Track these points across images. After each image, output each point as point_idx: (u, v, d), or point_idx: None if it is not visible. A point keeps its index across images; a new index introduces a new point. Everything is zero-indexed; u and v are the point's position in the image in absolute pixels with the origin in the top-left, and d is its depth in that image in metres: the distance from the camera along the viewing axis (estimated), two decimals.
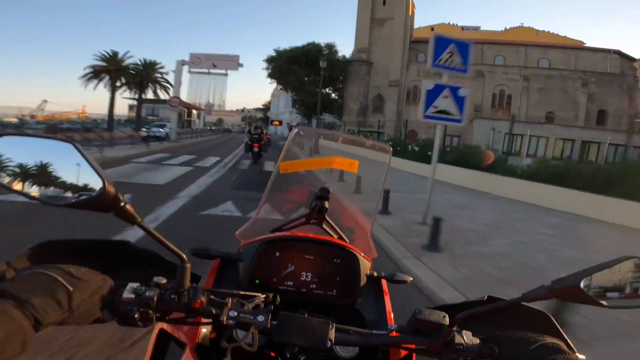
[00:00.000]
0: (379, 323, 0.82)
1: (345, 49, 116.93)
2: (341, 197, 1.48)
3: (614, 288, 0.55)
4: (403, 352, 0.77)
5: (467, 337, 0.60)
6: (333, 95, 41.07)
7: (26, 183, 0.48)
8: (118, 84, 33.87)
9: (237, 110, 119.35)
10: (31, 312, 0.42)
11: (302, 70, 36.66)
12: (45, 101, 64.52)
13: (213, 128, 62.10)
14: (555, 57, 36.38)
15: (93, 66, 33.41)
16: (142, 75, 34.55)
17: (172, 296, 0.55)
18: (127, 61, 33.79)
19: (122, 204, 0.49)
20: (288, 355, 0.68)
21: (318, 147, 17.79)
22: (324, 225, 1.10)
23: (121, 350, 1.95)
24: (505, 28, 45.07)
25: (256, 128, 14.73)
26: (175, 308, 0.56)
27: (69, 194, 0.49)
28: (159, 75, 40.62)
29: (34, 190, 0.49)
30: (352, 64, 38.16)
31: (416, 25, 40.57)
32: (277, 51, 38.40)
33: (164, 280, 0.56)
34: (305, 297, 0.84)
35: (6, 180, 0.48)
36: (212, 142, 28.92)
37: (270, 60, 38.54)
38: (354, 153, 1.60)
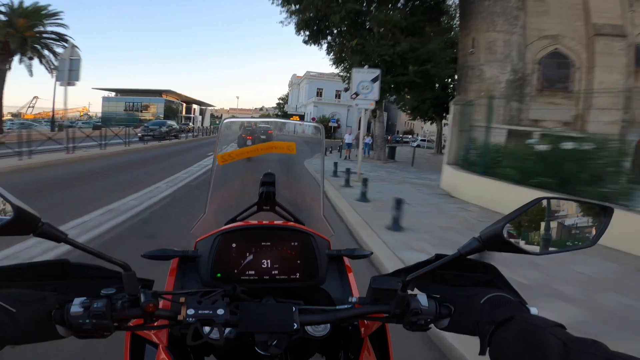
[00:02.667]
0: (345, 300, 0.78)
1: None
2: (288, 179, 1.46)
3: (534, 229, 0.57)
4: (374, 324, 0.78)
5: (422, 300, 0.61)
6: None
7: None
8: None
9: (255, 108, 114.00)
10: None
11: None
12: (36, 97, 52.64)
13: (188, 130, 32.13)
14: None
15: None
16: (13, 32, 17.23)
17: (125, 304, 0.57)
18: None
19: (41, 224, 0.49)
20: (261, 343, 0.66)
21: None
22: (277, 210, 1.10)
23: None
24: None
25: (248, 124, 7.69)
26: (131, 315, 0.57)
27: None
28: (49, 30, 20.82)
29: None
30: None
31: None
32: None
33: (112, 291, 0.58)
34: (269, 284, 0.84)
35: None
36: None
37: None
38: None
